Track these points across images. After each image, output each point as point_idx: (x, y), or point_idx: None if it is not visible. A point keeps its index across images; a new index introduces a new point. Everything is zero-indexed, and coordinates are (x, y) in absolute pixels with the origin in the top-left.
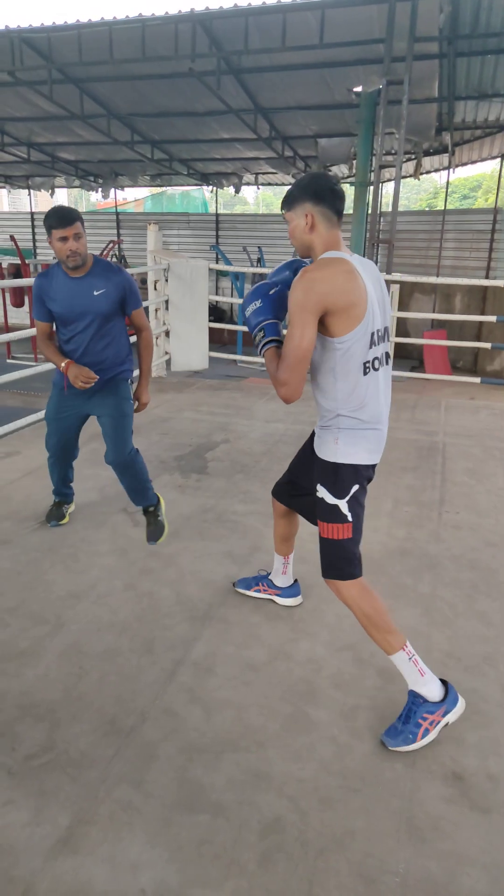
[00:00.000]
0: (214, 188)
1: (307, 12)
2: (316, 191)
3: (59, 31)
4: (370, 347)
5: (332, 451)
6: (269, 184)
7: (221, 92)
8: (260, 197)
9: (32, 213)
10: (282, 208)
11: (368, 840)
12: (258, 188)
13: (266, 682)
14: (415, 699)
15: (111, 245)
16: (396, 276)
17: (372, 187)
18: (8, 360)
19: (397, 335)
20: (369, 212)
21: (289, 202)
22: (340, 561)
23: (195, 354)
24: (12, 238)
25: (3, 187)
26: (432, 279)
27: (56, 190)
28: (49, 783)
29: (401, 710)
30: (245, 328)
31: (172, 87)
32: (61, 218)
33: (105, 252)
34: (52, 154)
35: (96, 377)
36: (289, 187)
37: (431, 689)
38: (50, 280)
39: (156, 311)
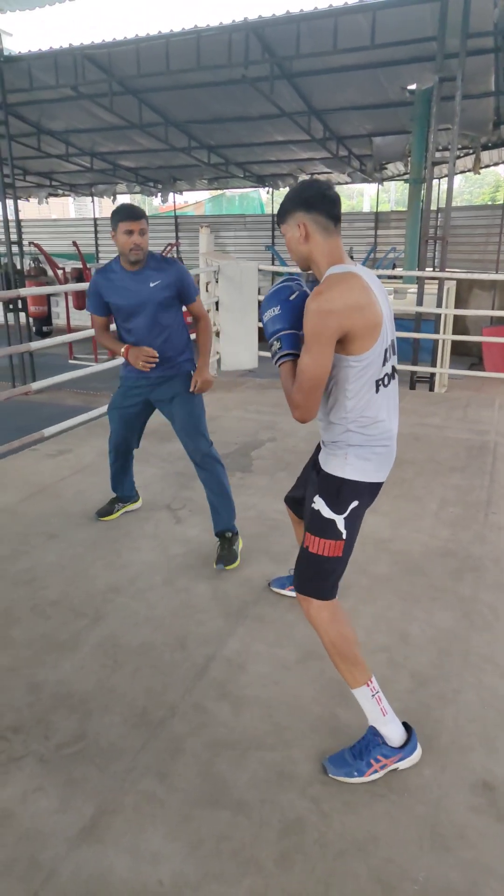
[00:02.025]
0: (271, 189)
1: (358, 15)
2: (306, 199)
3: (118, 46)
4: (383, 364)
5: (341, 466)
6: None
7: (275, 96)
8: None
9: (95, 220)
10: (276, 223)
11: (390, 846)
12: None
13: (297, 682)
14: (374, 737)
15: (168, 248)
16: (450, 272)
17: (426, 184)
18: (70, 361)
19: (454, 332)
20: (423, 208)
21: (281, 215)
22: (321, 579)
23: (245, 354)
24: (74, 244)
25: (69, 195)
26: (491, 276)
27: (118, 196)
28: (77, 772)
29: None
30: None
31: (227, 93)
32: (130, 213)
33: (164, 254)
34: (114, 162)
35: (157, 355)
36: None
37: (393, 731)
38: (108, 275)
39: (206, 311)
